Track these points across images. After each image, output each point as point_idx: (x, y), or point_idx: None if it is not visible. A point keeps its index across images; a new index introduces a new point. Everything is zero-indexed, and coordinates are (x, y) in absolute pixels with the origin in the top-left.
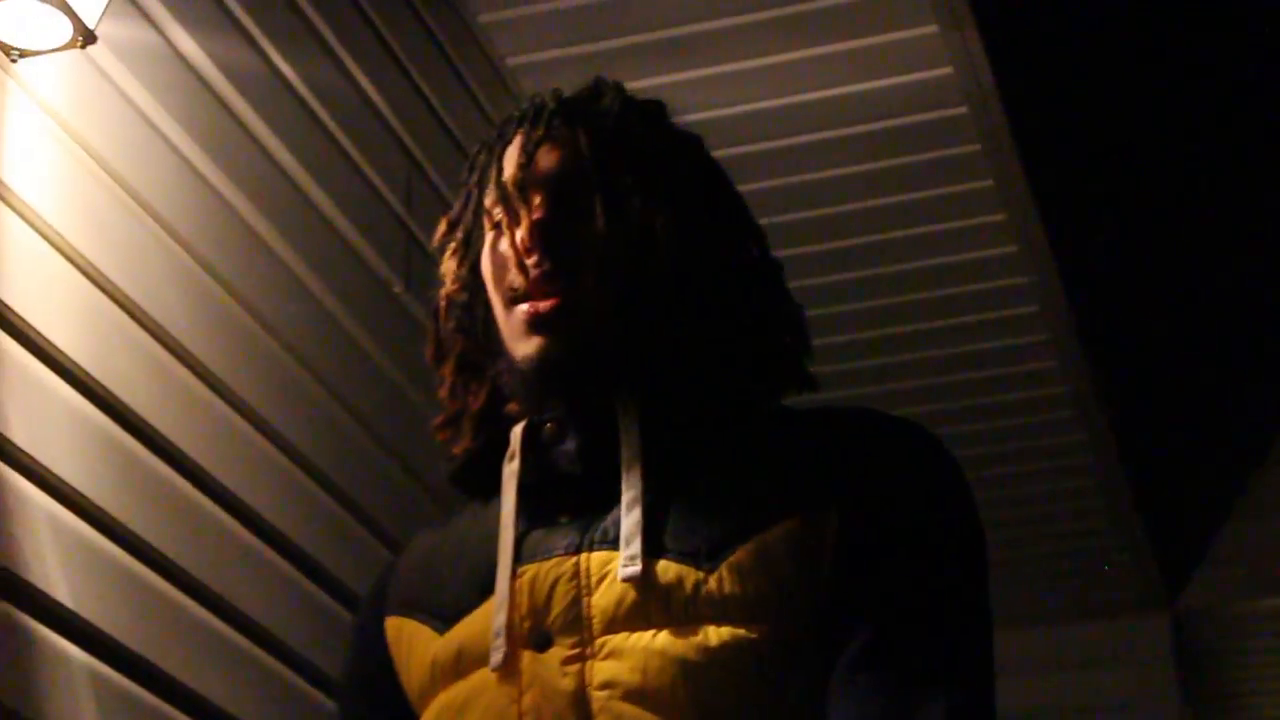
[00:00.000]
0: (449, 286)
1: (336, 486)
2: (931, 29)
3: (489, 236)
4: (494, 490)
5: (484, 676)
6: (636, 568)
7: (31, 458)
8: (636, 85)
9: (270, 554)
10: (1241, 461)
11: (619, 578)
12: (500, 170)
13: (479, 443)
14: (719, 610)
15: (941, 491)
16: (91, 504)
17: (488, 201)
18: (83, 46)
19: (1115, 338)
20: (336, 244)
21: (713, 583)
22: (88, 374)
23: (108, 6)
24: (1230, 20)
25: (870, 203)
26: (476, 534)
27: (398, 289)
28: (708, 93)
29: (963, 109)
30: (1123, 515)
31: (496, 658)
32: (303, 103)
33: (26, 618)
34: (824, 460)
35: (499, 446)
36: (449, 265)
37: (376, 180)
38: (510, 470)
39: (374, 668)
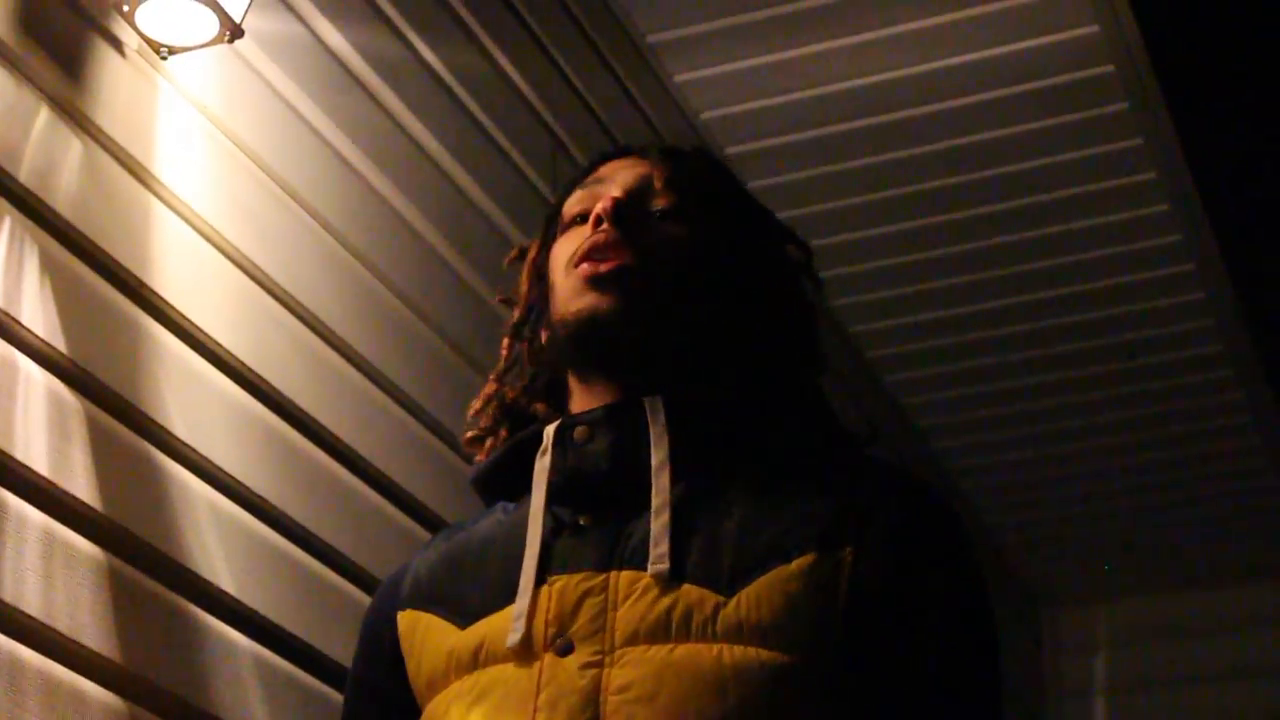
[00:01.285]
0: (519, 292)
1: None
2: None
3: (558, 234)
4: (518, 494)
5: (502, 670)
6: (665, 565)
7: (192, 449)
8: (788, 55)
9: (426, 536)
10: None
11: (649, 573)
12: (582, 186)
13: (506, 443)
14: (735, 633)
15: (953, 546)
16: (252, 493)
17: (569, 202)
18: (230, 41)
19: (1274, 292)
20: (483, 229)
21: (731, 607)
22: (244, 364)
23: (253, 1)
24: None
25: (1022, 165)
26: (503, 537)
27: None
28: (858, 61)
29: (1110, 67)
30: (1275, 452)
31: (514, 638)
32: (449, 90)
33: (193, 606)
34: (844, 505)
35: (523, 456)
36: (523, 278)
37: (522, 164)
38: (541, 465)
39: (381, 660)
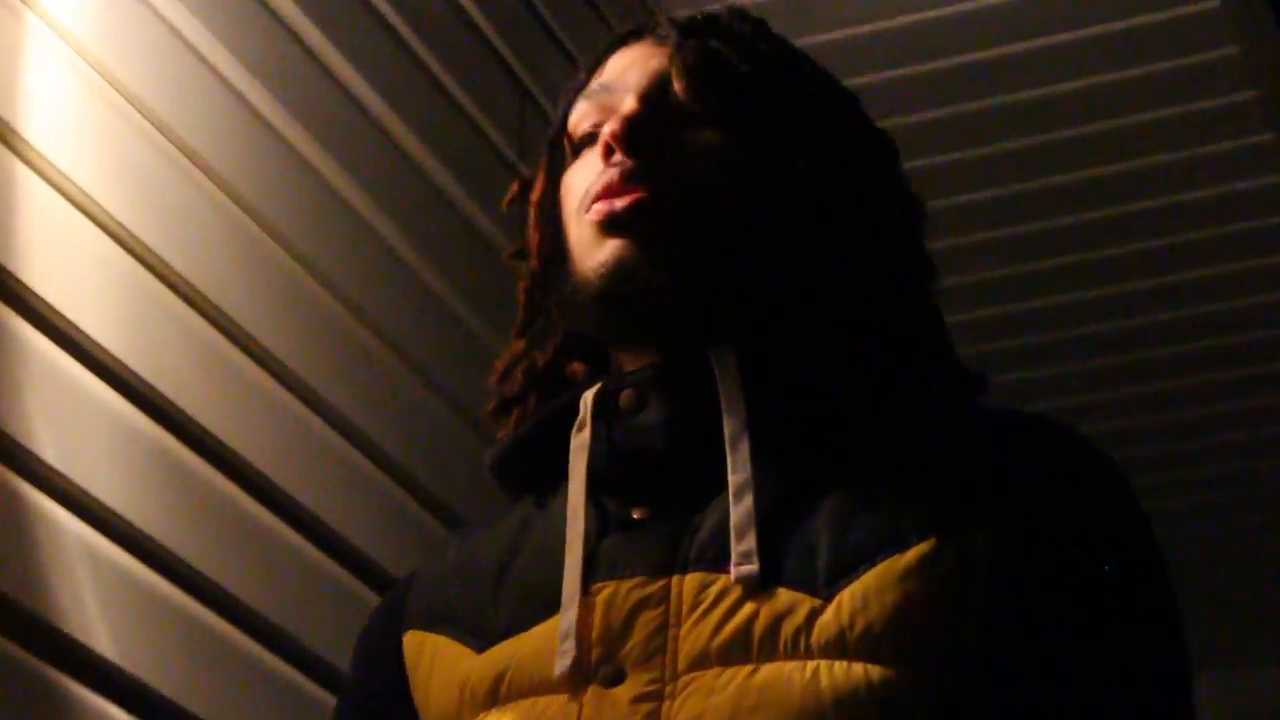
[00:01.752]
0: (528, 241)
1: (433, 501)
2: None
3: (568, 162)
4: (547, 488)
5: (532, 706)
6: (754, 566)
7: (64, 477)
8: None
9: (358, 586)
10: None
11: (734, 578)
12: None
13: (533, 418)
14: (836, 646)
15: (1121, 513)
16: (136, 529)
17: (572, 119)
18: None
19: None
20: (433, 200)
21: (830, 613)
22: (125, 366)
23: None
24: None
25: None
26: (532, 541)
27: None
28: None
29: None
30: None
31: (562, 663)
32: (388, 26)
33: (64, 676)
34: (975, 471)
35: (556, 434)
36: (531, 211)
37: (481, 119)
38: (579, 442)
39: (383, 688)
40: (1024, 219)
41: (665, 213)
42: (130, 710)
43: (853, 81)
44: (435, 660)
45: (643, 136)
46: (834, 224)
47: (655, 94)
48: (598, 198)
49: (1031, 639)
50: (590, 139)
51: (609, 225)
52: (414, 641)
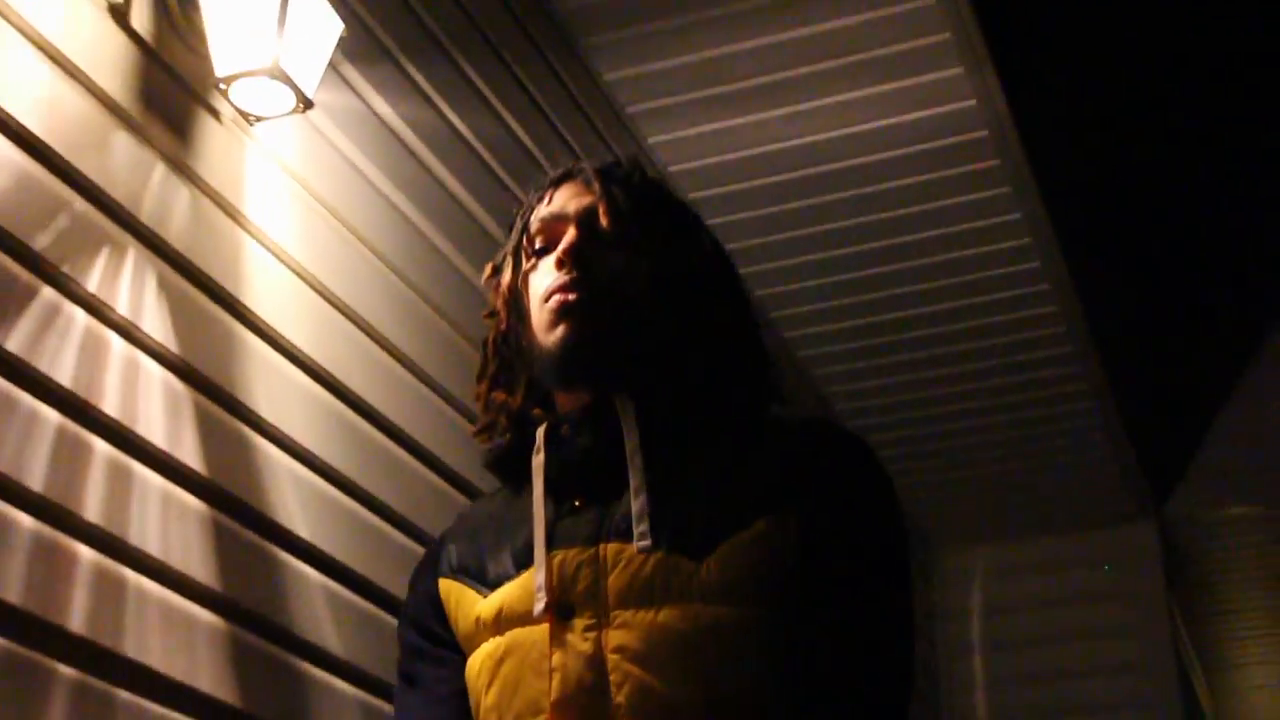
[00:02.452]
0: (498, 309)
1: None
2: (957, 70)
3: (528, 265)
4: (522, 479)
5: (519, 634)
6: (648, 541)
7: (275, 428)
8: (722, 125)
9: (453, 492)
10: (1219, 383)
11: (636, 549)
12: (539, 212)
13: (512, 437)
14: (708, 593)
15: (881, 502)
16: (321, 461)
17: (528, 238)
18: (303, 111)
19: (1098, 251)
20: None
21: (703, 572)
22: (315, 363)
23: (321, 80)
24: None
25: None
26: (511, 517)
27: None
28: (780, 129)
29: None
30: (1115, 435)
31: (538, 607)
32: (470, 146)
33: (275, 547)
34: (786, 470)
35: (525, 445)
36: (493, 289)
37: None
38: (537, 463)
39: (431, 614)
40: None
41: (592, 306)
42: (315, 568)
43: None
44: (460, 599)
45: (580, 257)
46: (693, 309)
47: (587, 223)
48: (553, 293)
49: (825, 581)
50: (545, 249)
51: (560, 313)
52: (446, 585)
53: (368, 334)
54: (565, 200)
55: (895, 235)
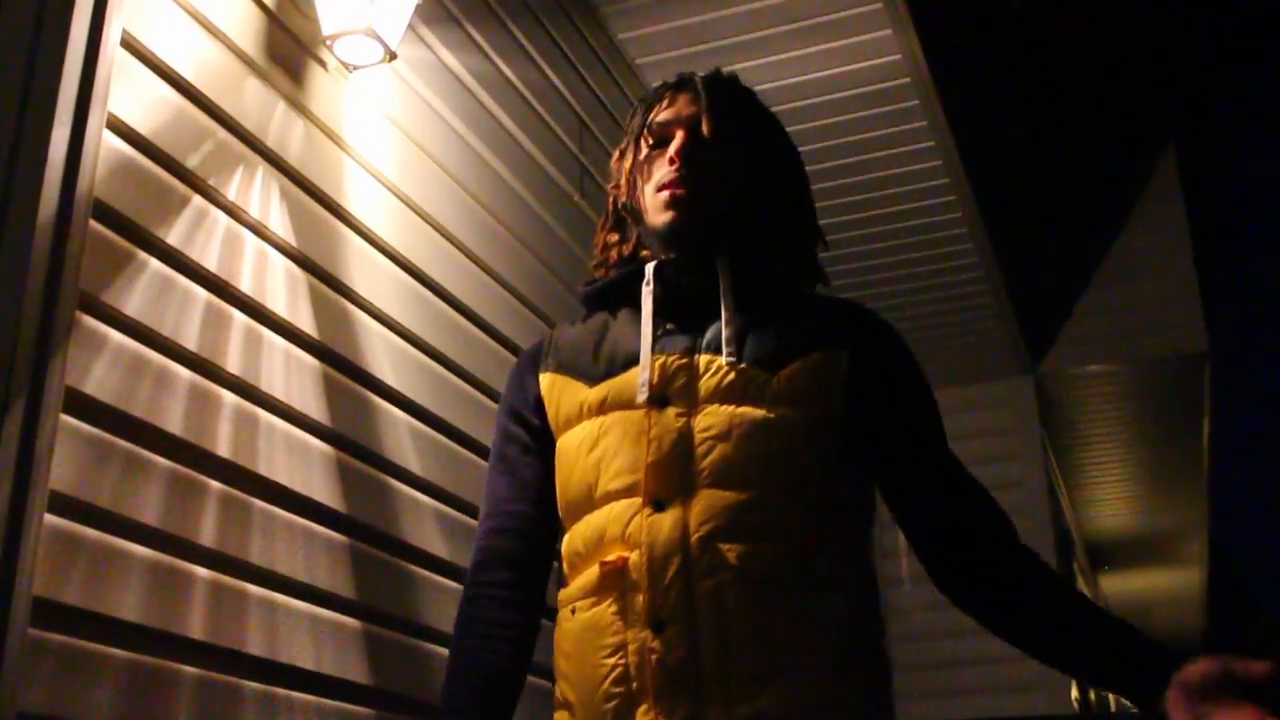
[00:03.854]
0: (620, 184)
1: (546, 316)
2: (886, 32)
3: (645, 153)
4: (617, 307)
5: (620, 415)
6: (734, 355)
7: (370, 303)
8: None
9: (504, 352)
10: (1084, 266)
11: (724, 363)
12: (658, 114)
13: (616, 274)
14: (777, 398)
15: (909, 354)
16: (403, 326)
17: (648, 133)
18: (389, 62)
19: (992, 164)
20: (541, 172)
21: (774, 383)
22: (400, 254)
23: (403, 37)
24: None
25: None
26: (612, 333)
27: (575, 197)
28: (752, 77)
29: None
30: (1002, 308)
31: (641, 396)
32: (515, 89)
33: (369, 394)
34: (835, 321)
35: (630, 280)
36: (618, 168)
37: (561, 134)
38: (647, 291)
39: (527, 400)
40: None
41: (693, 198)
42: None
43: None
44: (564, 388)
45: (687, 157)
46: (772, 198)
47: (694, 128)
48: (664, 186)
49: (869, 398)
50: (660, 142)
51: (670, 203)
52: (549, 378)
53: (440, 233)
54: (680, 107)
55: (835, 159)
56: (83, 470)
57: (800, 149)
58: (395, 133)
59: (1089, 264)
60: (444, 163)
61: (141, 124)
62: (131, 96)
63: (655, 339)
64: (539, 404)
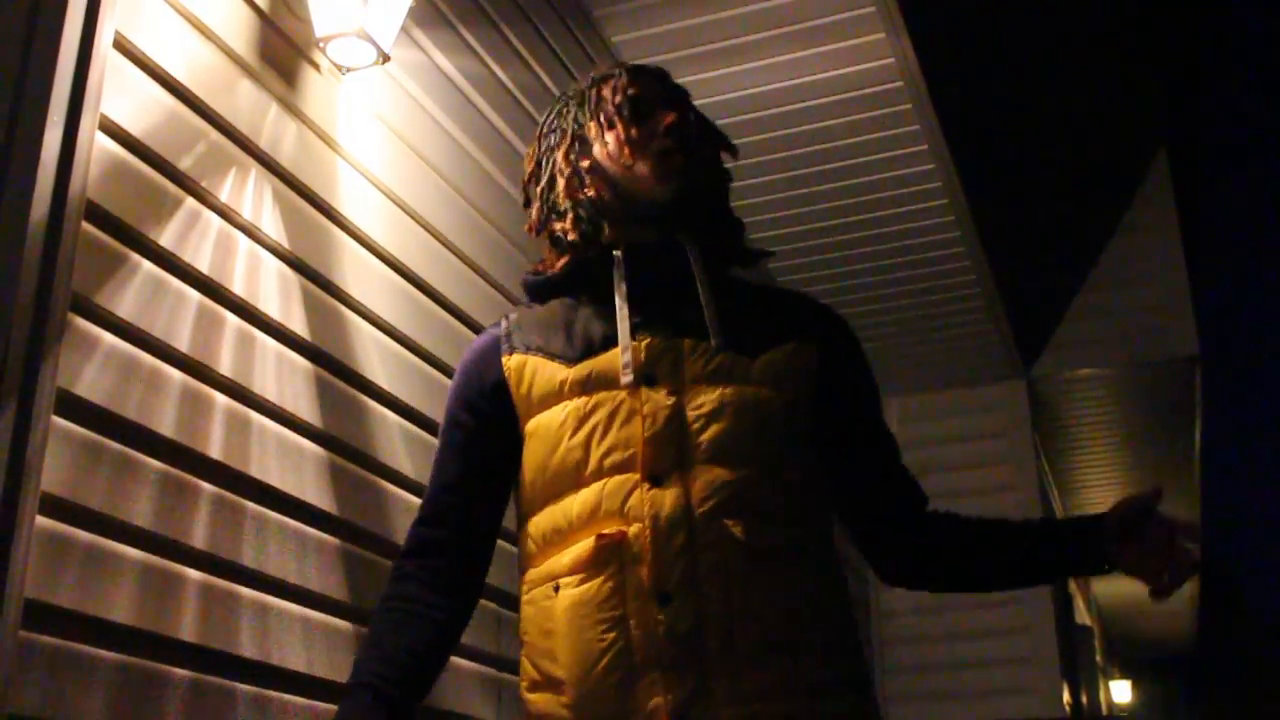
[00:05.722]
0: (565, 173)
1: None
2: (879, 36)
3: (603, 134)
4: (579, 291)
5: (606, 394)
6: (720, 340)
7: (361, 304)
8: (697, 78)
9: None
10: (1074, 274)
11: (711, 345)
12: (636, 92)
13: (579, 259)
14: (758, 381)
15: (863, 352)
16: (393, 327)
17: (609, 111)
18: (382, 64)
19: (986, 173)
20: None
21: (754, 368)
22: (391, 255)
23: (396, 39)
24: None
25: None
26: (583, 313)
27: None
28: (743, 80)
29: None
30: (995, 314)
31: (628, 375)
32: (509, 91)
33: (360, 394)
34: (798, 314)
35: (596, 264)
36: (560, 160)
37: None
38: (619, 275)
39: (483, 387)
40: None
41: (693, 169)
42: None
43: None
44: (538, 369)
45: (681, 133)
46: (723, 187)
47: (683, 110)
48: (668, 153)
49: (836, 388)
50: (637, 118)
51: (675, 171)
52: (517, 359)
53: (432, 234)
54: (651, 90)
55: (828, 163)
56: (74, 472)
57: (792, 153)
58: (388, 135)
59: (1081, 268)
60: (437, 165)
61: (134, 125)
62: (124, 98)
63: (632, 321)
64: (497, 389)
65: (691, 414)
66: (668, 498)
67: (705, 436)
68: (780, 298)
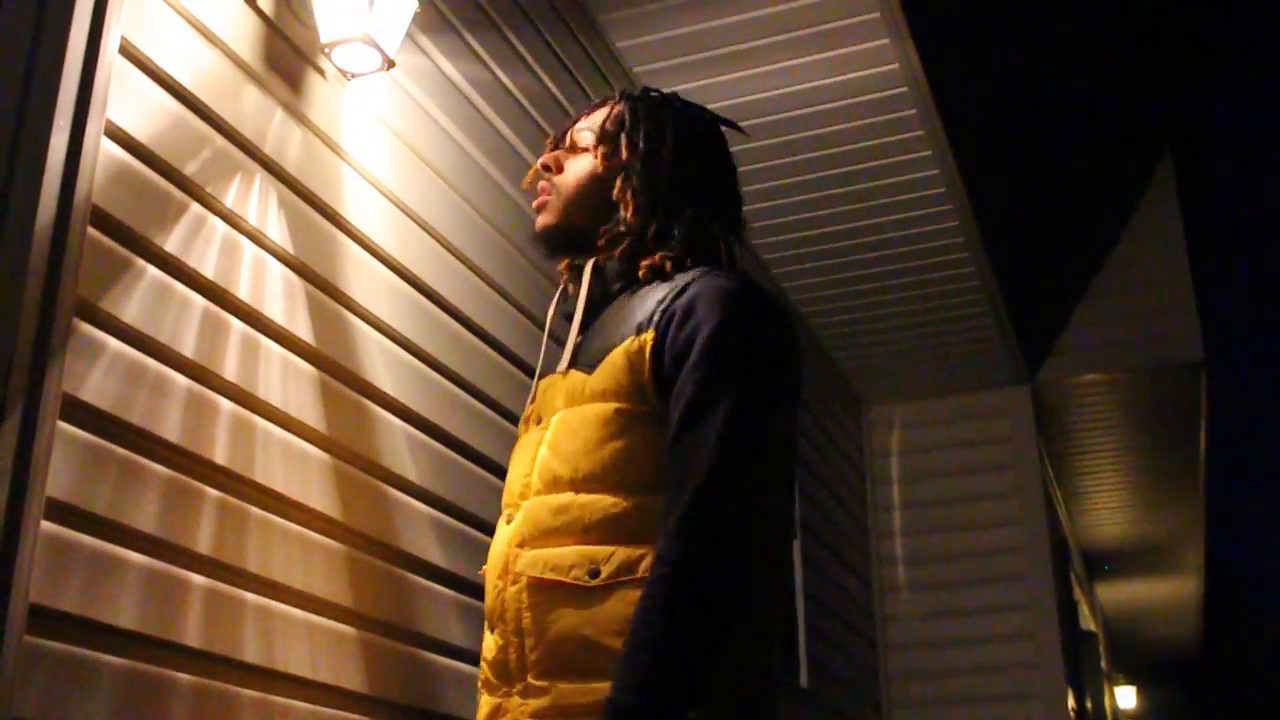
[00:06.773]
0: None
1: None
2: (884, 41)
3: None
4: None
5: (523, 434)
6: (566, 366)
7: (366, 310)
8: (703, 84)
9: (498, 357)
10: (1078, 283)
11: (558, 370)
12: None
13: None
14: (592, 395)
15: (716, 325)
16: (398, 333)
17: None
18: (387, 69)
19: (990, 180)
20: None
21: (592, 380)
22: (397, 260)
23: (401, 45)
24: None
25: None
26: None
27: None
28: (748, 86)
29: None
30: (1000, 320)
31: (523, 426)
32: (513, 96)
33: (367, 401)
34: (659, 305)
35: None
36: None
37: (551, 132)
38: (554, 304)
39: None
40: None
41: (554, 208)
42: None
43: None
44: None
45: (549, 166)
46: (637, 195)
47: (562, 139)
48: (538, 188)
49: (663, 355)
50: (554, 148)
51: (538, 209)
52: None
53: (438, 241)
54: (582, 118)
55: (832, 168)
56: (80, 477)
57: (796, 158)
58: (393, 141)
59: (1086, 273)
60: (442, 171)
61: (140, 131)
62: (130, 104)
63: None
64: None
65: (539, 450)
66: (504, 535)
67: (537, 467)
68: (656, 290)
